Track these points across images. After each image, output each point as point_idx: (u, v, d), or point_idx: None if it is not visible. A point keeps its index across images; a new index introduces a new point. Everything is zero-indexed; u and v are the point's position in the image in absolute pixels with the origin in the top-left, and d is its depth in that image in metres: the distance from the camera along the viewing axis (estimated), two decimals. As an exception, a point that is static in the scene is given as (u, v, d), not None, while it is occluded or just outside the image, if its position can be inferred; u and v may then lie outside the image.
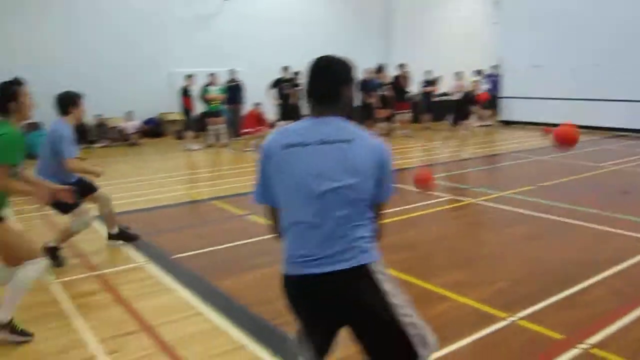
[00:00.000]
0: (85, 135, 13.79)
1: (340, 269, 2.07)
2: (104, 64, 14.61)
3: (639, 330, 3.62)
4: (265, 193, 2.26)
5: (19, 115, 3.47)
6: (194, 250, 5.41)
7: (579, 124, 14.78)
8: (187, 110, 13.47)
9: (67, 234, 5.20)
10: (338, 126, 2.14)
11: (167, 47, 15.65)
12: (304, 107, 13.72)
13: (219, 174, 10.10)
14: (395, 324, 2.12)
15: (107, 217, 5.65)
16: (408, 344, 2.13)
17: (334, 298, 2.12)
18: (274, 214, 2.30)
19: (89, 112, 13.69)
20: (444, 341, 3.44)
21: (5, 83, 3.47)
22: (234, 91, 14.25)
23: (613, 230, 5.95)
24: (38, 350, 3.48)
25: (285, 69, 13.94)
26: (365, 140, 2.14)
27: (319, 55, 2.24)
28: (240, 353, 3.38)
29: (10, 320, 3.51)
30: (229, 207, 7.24)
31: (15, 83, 3.50)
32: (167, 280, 4.64)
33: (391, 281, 2.21)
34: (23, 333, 3.56)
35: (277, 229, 2.33)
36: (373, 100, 14.79)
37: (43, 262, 3.61)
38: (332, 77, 2.17)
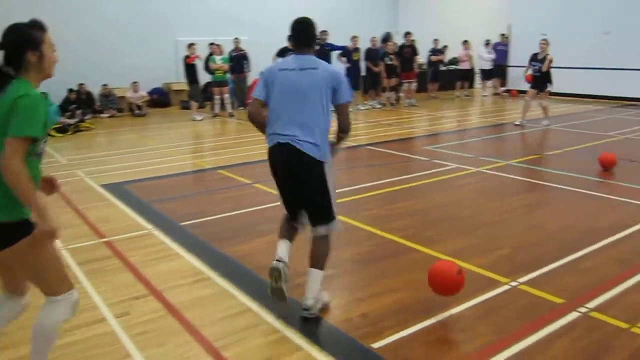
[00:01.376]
0: (91, 105, 13.84)
1: (300, 148, 3.28)
2: (108, 34, 14.55)
3: (637, 295, 3.67)
4: (263, 92, 3.43)
5: (39, 70, 2.44)
6: (201, 218, 5.48)
7: (587, 93, 14.57)
8: (191, 80, 13.44)
9: None
10: (308, 59, 3.41)
11: (172, 15, 15.55)
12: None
13: (224, 144, 10.12)
14: (323, 197, 3.41)
15: None
16: (329, 211, 3.46)
17: (291, 163, 3.34)
18: (261, 106, 3.49)
19: (96, 83, 13.84)
20: (447, 305, 3.53)
21: (20, 26, 2.43)
22: (238, 60, 14.19)
23: (618, 198, 5.97)
24: (50, 313, 3.58)
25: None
26: (326, 67, 3.42)
27: (299, 17, 3.53)
28: (246, 316, 3.47)
29: None
30: (235, 175, 7.29)
31: (37, 26, 2.46)
32: (175, 246, 4.72)
33: (331, 173, 3.44)
34: None
35: (259, 117, 3.52)
36: (379, 69, 14.67)
37: (74, 296, 2.56)
38: (306, 28, 3.48)
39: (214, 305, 3.63)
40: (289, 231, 3.62)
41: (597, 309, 3.48)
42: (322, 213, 3.44)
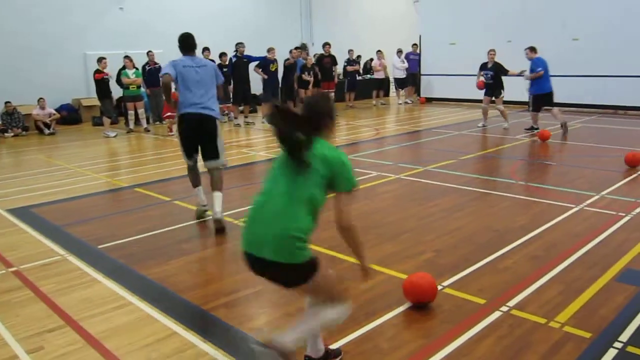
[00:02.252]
0: (-7, 124, 12.99)
1: (206, 114, 5.43)
2: (7, 48, 13.77)
3: (552, 291, 3.85)
4: (174, 73, 5.33)
5: (331, 134, 2.73)
6: (119, 240, 5.23)
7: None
8: (102, 94, 12.92)
9: None
10: (199, 59, 5.58)
11: (81, 27, 14.94)
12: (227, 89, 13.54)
13: (141, 160, 9.77)
14: (217, 142, 5.58)
15: None
16: (218, 151, 5.60)
17: (201, 123, 5.45)
18: (170, 83, 5.40)
19: (-4, 100, 13.00)
20: (375, 314, 3.55)
21: (325, 99, 2.79)
22: (153, 74, 13.82)
23: (528, 198, 6.28)
24: (-48, 354, 3.28)
25: (206, 50, 13.57)
26: (209, 63, 5.69)
27: (186, 32, 5.68)
28: (171, 340, 3.33)
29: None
30: (153, 193, 7.04)
31: (332, 99, 2.86)
32: (92, 272, 4.46)
33: (221, 125, 5.72)
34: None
35: (170, 87, 5.49)
36: (306, 78, 14.75)
37: (348, 310, 2.80)
38: (193, 40, 5.58)
39: (136, 332, 3.45)
40: (195, 178, 5.84)
41: (517, 306, 3.62)
42: (214, 152, 5.58)
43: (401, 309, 3.63)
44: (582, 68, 14.99)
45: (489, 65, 11.84)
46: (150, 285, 4.17)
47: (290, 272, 2.54)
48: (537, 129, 11.01)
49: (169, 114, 12.76)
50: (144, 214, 6.18)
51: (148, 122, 13.78)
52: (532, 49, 11.25)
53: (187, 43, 5.53)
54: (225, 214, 5.76)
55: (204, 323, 3.55)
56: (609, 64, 14.57)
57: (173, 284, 4.17)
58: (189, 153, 5.64)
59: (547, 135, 9.95)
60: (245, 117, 14.17)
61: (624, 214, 5.55)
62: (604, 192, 6.39)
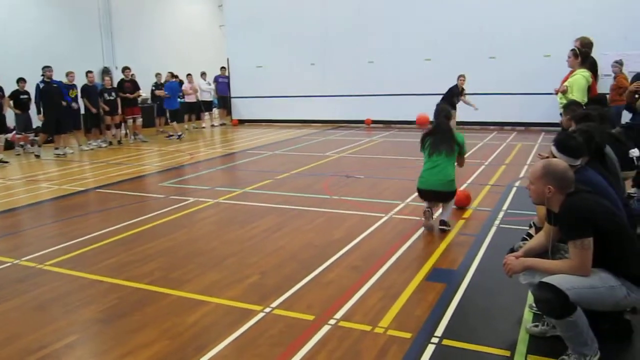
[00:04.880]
0: None
1: None
2: None
3: (373, 298, 4.06)
4: None
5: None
6: None
7: (298, 119, 16.21)
8: None
9: None
10: None
11: None
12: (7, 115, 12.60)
13: None
14: None
15: None
16: None
17: None
18: None
19: None
20: (204, 348, 3.39)
21: None
22: None
23: (343, 211, 6.60)
24: None
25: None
26: None
27: None
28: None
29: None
30: None
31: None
32: None
33: None
34: None
35: None
36: (101, 106, 13.85)
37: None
38: None
39: None
40: None
41: (344, 317, 3.74)
42: None
43: (231, 337, 3.51)
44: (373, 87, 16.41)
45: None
46: None
47: (448, 195, 5.60)
48: (181, 135, 14.95)
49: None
50: None
51: None
52: (172, 75, 16.11)
53: None
54: (27, 257, 5.15)
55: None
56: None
57: (-38, 348, 3.54)
58: None
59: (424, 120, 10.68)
60: (65, 147, 12.87)
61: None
62: (408, 200, 6.97)
